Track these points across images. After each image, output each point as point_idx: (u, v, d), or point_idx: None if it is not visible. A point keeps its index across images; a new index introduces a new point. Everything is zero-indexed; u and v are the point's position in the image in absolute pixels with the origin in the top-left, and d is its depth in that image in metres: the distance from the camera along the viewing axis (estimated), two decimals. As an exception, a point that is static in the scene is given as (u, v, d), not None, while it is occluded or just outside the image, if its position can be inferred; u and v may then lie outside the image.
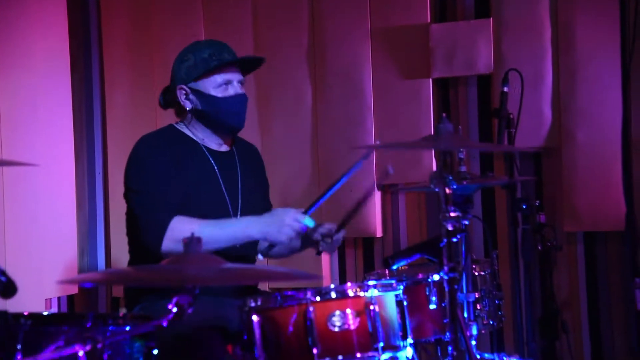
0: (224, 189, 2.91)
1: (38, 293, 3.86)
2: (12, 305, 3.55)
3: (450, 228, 2.09)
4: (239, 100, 2.89)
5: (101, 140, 4.45)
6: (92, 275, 1.88)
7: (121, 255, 4.26)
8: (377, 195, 4.05)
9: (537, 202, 2.65)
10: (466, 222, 2.18)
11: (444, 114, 2.22)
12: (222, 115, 2.88)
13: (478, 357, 2.49)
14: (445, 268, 2.09)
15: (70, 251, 4.20)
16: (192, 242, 1.93)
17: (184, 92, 2.91)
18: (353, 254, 4.15)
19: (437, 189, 2.08)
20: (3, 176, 3.74)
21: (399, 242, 4.07)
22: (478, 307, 2.70)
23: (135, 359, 2.06)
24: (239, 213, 2.92)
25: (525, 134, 3.49)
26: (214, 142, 2.96)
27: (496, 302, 2.81)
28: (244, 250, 2.84)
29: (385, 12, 4.01)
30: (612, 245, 3.77)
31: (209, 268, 1.80)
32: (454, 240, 2.08)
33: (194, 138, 2.94)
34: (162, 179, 2.78)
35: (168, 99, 2.99)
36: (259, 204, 3.04)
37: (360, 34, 4.03)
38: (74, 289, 4.21)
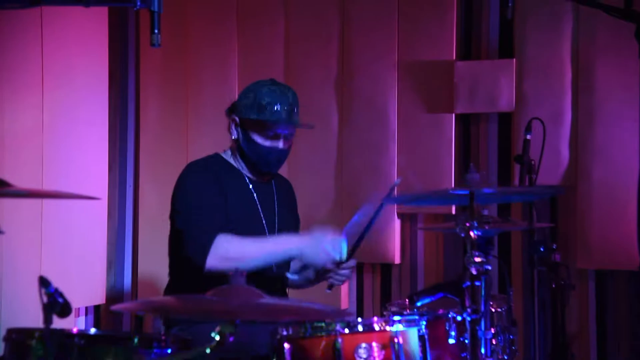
0: (262, 217, 3.07)
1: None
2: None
3: (474, 272, 2.24)
4: (277, 155, 3.04)
5: (133, 152, 4.60)
6: (138, 304, 2.04)
7: (148, 267, 4.43)
8: (397, 223, 4.20)
9: (554, 245, 2.80)
10: (489, 267, 2.33)
11: (471, 164, 2.37)
12: (256, 160, 3.05)
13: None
14: (468, 310, 2.24)
15: (99, 261, 4.35)
16: (236, 275, 2.09)
17: (234, 123, 3.07)
18: (371, 280, 4.30)
19: (462, 234, 2.24)
20: (43, 185, 3.89)
21: (416, 269, 4.22)
22: (494, 342, 2.82)
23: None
24: None
25: (542, 171, 3.63)
26: (252, 174, 3.13)
27: (510, 337, 2.94)
28: (280, 271, 3.00)
29: (413, 46, 4.17)
30: (622, 283, 3.91)
31: (251, 303, 1.95)
32: (477, 283, 2.23)
33: (237, 167, 3.11)
34: (206, 200, 2.93)
35: (229, 113, 3.11)
36: (291, 233, 3.19)
37: (388, 64, 4.19)
38: (101, 300, 4.37)
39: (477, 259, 2.24)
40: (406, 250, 4.24)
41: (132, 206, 4.59)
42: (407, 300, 3.16)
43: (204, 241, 2.84)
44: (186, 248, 2.89)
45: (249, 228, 3.02)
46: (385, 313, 2.87)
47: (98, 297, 4.35)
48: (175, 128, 4.48)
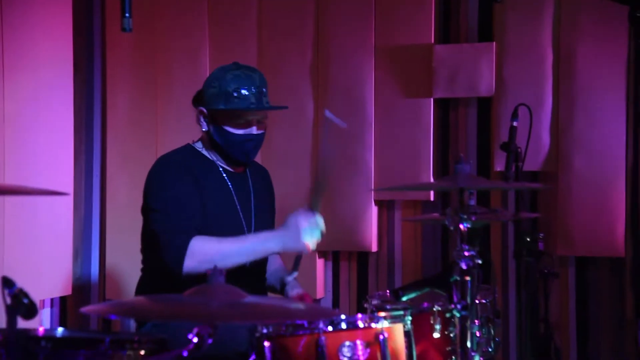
0: (239, 208, 2.95)
1: (33, 294, 3.87)
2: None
3: (464, 267, 2.14)
4: (253, 142, 2.91)
5: (100, 141, 4.45)
6: (109, 307, 1.91)
7: (115, 257, 4.30)
8: (374, 210, 4.11)
9: (541, 234, 2.72)
10: (479, 261, 2.23)
11: (461, 155, 2.27)
12: (231, 150, 2.92)
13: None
14: (459, 306, 2.15)
15: (65, 252, 4.21)
16: (215, 274, 1.97)
17: (202, 115, 2.94)
18: (347, 269, 4.21)
19: (451, 227, 2.14)
20: (5, 175, 3.75)
21: (393, 257, 4.13)
22: (478, 335, 2.75)
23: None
24: (252, 231, 2.96)
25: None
26: (226, 165, 3.01)
27: (494, 329, 2.86)
28: (255, 266, 2.90)
29: (390, 31, 4.06)
30: (603, 270, 3.86)
31: (231, 303, 1.83)
32: (467, 278, 2.14)
33: (210, 158, 2.98)
34: (182, 198, 2.81)
35: (196, 105, 2.99)
36: (269, 224, 3.10)
37: (364, 50, 4.08)
38: (67, 290, 4.23)
39: (467, 253, 2.14)
40: (383, 238, 4.15)
41: (100, 196, 4.45)
42: (387, 292, 3.08)
43: (180, 245, 2.73)
44: (162, 252, 2.77)
45: (226, 220, 2.92)
46: (366, 306, 2.78)
47: (64, 288, 4.21)
48: (145, 116, 4.33)
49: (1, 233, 3.73)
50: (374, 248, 4.12)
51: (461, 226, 2.13)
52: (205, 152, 2.99)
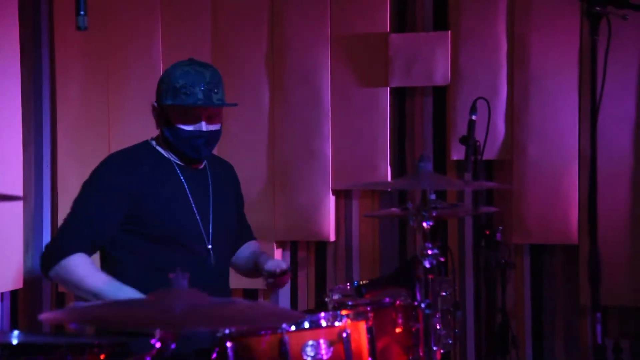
0: (193, 205, 2.91)
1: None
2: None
3: (427, 265, 2.15)
4: (203, 138, 2.87)
5: (50, 132, 4.36)
6: (69, 314, 1.85)
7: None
8: (331, 200, 4.09)
9: (500, 227, 2.74)
10: (442, 259, 2.24)
11: (423, 153, 2.26)
12: (181, 146, 2.88)
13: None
14: (422, 305, 2.15)
15: (15, 244, 4.13)
16: (177, 278, 1.93)
17: (155, 110, 2.91)
18: (306, 258, 4.19)
19: (414, 225, 2.14)
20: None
21: (351, 246, 4.13)
22: (438, 327, 2.77)
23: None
24: (210, 229, 2.93)
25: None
26: (180, 161, 2.96)
27: (453, 320, 2.88)
28: (220, 266, 2.93)
29: (346, 20, 4.03)
30: (558, 258, 3.90)
31: (195, 309, 1.80)
32: (430, 277, 2.14)
33: (166, 155, 2.94)
34: (95, 212, 2.79)
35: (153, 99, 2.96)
36: (231, 221, 3.07)
37: (320, 40, 4.04)
38: (18, 284, 4.15)
39: (431, 252, 2.14)
40: (341, 227, 4.14)
41: (50, 186, 4.36)
42: (348, 285, 3.07)
43: (59, 252, 2.76)
44: (47, 244, 2.83)
45: (181, 220, 2.88)
46: (327, 300, 2.78)
47: (15, 282, 4.13)
48: (96, 107, 4.24)
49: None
50: (332, 238, 4.11)
51: (424, 224, 2.12)
52: (161, 149, 2.95)
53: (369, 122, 4.01)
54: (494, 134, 3.87)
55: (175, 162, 2.94)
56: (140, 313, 1.80)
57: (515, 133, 3.88)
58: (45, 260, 2.78)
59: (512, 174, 3.87)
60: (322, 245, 4.17)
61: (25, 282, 4.20)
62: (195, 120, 2.84)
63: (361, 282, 2.53)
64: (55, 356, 1.96)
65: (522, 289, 3.94)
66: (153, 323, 1.76)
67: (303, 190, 4.05)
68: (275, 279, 2.96)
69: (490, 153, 3.87)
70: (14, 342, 2.06)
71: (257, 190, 4.09)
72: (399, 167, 4.08)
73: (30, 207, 4.31)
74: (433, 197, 2.52)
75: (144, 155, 2.92)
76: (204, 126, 2.86)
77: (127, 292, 2.68)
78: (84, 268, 2.74)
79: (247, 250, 3.22)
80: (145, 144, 2.97)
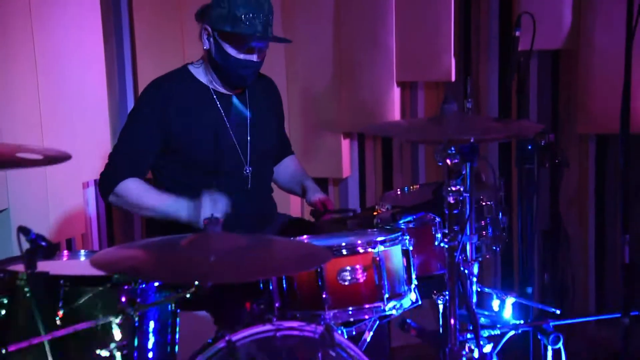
0: (231, 132, 2.99)
1: (75, 177, 4.06)
2: (54, 190, 3.75)
3: (451, 201, 2.24)
4: (251, 68, 2.92)
5: (128, 22, 4.46)
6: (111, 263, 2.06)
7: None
8: (396, 92, 4.12)
9: (552, 135, 2.77)
10: (467, 195, 2.31)
11: (447, 92, 2.29)
12: (229, 72, 2.92)
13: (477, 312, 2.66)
14: (446, 239, 2.27)
15: (103, 134, 4.32)
16: (211, 222, 2.10)
17: (206, 32, 2.93)
18: (372, 148, 4.30)
19: (440, 163, 2.21)
20: (37, 69, 3.78)
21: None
22: (483, 234, 2.86)
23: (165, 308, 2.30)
24: (248, 154, 3.02)
25: (544, 35, 3.53)
26: (222, 87, 3.02)
27: (501, 226, 2.96)
28: (259, 188, 3.08)
29: None
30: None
31: (230, 258, 1.97)
32: (455, 212, 2.24)
33: (204, 82, 3.01)
34: (139, 139, 2.92)
35: (199, 20, 2.98)
36: (270, 142, 3.14)
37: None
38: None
39: (454, 188, 2.23)
40: (407, 118, 4.19)
41: (132, 79, 4.48)
42: (398, 191, 3.20)
43: (113, 179, 2.91)
44: (101, 173, 2.97)
45: (218, 147, 2.96)
46: (377, 207, 2.90)
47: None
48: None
49: (38, 123, 3.82)
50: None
51: (448, 161, 2.19)
52: (201, 73, 3.01)
53: (433, 14, 3.97)
54: (560, 22, 3.79)
55: (213, 89, 3.00)
56: (176, 265, 1.99)
57: (582, 22, 3.78)
58: (102, 188, 2.95)
59: (578, 63, 3.81)
60: (387, 140, 4.26)
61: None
62: (249, 51, 2.88)
63: (395, 210, 2.63)
64: (106, 286, 2.18)
65: (586, 175, 3.97)
66: (187, 275, 1.94)
67: (368, 83, 4.09)
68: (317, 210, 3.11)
69: (555, 42, 3.80)
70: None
71: (322, 81, 4.15)
72: (464, 59, 4.07)
73: (114, 98, 4.46)
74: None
75: (181, 82, 2.98)
76: (255, 57, 2.91)
77: (182, 204, 2.85)
78: (137, 189, 2.91)
79: (288, 168, 3.32)
80: (183, 69, 3.03)
